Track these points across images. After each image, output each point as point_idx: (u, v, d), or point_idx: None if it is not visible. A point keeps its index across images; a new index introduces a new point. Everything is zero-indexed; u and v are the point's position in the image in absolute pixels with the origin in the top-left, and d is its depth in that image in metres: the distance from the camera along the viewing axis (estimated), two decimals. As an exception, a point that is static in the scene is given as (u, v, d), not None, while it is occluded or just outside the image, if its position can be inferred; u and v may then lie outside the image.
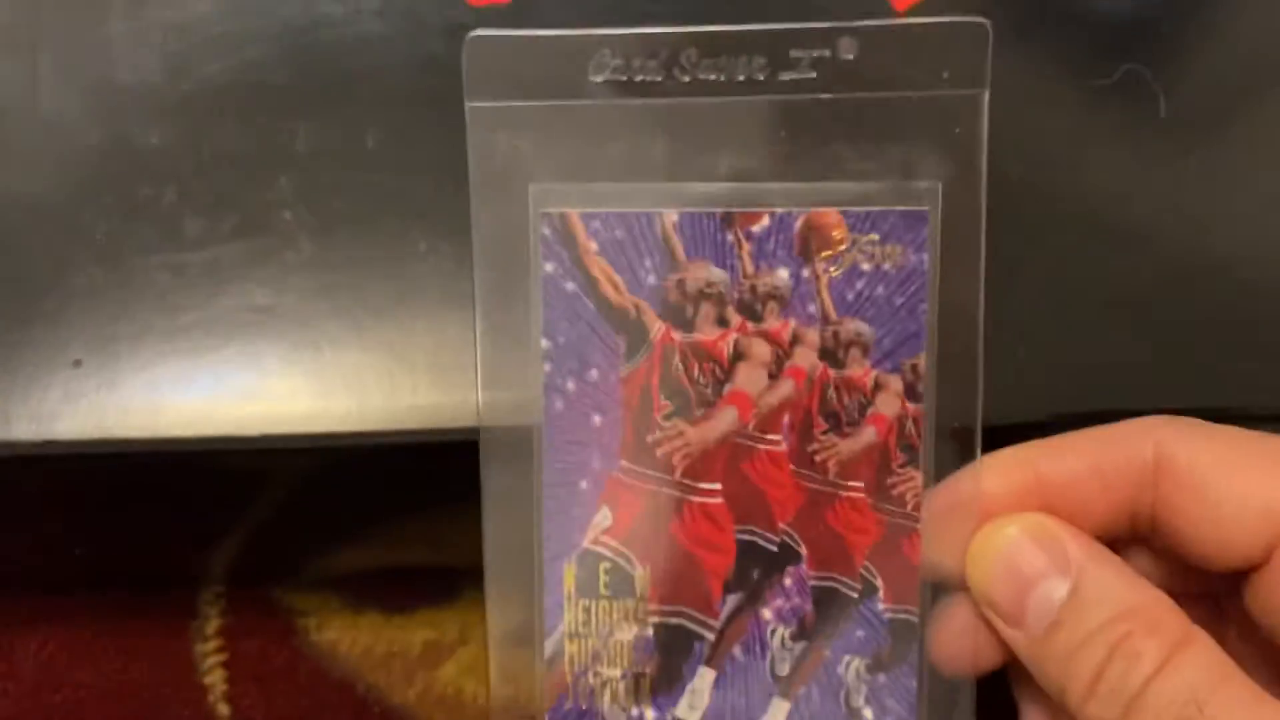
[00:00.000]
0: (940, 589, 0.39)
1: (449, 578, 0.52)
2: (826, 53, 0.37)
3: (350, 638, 0.50)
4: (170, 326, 0.40)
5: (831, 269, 0.38)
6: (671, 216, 0.39)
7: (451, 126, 0.38)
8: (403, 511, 0.52)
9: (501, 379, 0.39)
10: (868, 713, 0.39)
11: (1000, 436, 0.38)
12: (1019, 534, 0.37)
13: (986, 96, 0.37)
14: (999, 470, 0.38)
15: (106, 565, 0.53)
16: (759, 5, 0.40)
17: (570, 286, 0.39)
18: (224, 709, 0.48)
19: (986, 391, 0.37)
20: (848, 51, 0.37)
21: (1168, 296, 0.41)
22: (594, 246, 0.39)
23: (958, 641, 0.38)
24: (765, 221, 0.38)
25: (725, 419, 0.39)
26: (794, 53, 0.37)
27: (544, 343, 0.39)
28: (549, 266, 0.39)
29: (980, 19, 0.36)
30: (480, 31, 0.38)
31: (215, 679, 0.49)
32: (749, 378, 0.39)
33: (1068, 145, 0.40)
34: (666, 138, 0.38)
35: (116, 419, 0.39)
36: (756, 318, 0.39)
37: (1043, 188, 0.40)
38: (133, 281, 0.40)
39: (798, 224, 0.38)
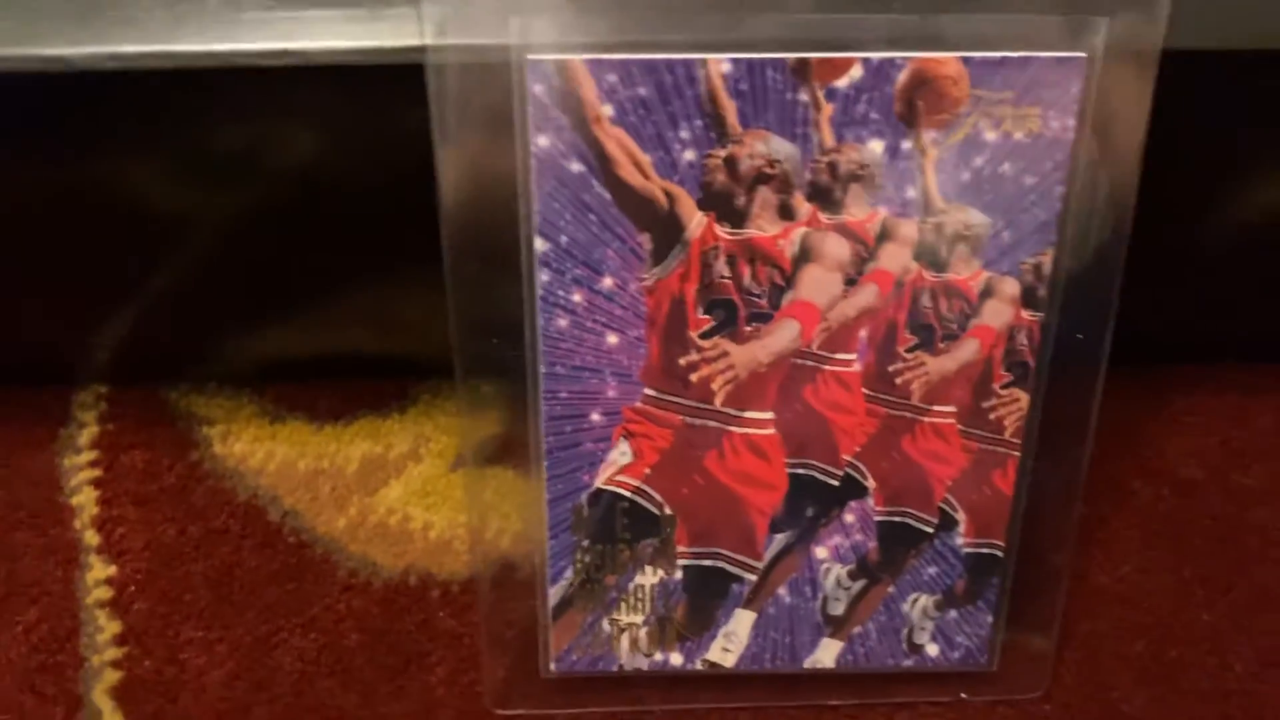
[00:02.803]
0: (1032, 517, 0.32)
1: (400, 375, 0.41)
2: None
3: (266, 451, 0.40)
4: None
5: (943, 140, 0.28)
6: (720, 65, 0.27)
7: None
8: (343, 282, 0.39)
9: (481, 306, 0.29)
10: (932, 649, 0.34)
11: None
12: None
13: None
14: None
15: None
16: None
17: (575, 167, 0.27)
18: (91, 537, 0.38)
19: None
20: None
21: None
22: (608, 111, 0.27)
23: None
24: (855, 72, 0.27)
25: (783, 336, 0.30)
26: None
27: (539, 244, 0.28)
28: (542, 140, 0.27)
29: None
30: None
31: (84, 500, 0.39)
32: (818, 284, 0.29)
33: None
34: (716, -53, 0.26)
35: None
36: (834, 206, 0.28)
37: None
38: None
39: (902, 76, 0.27)
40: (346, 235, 0.35)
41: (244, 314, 0.40)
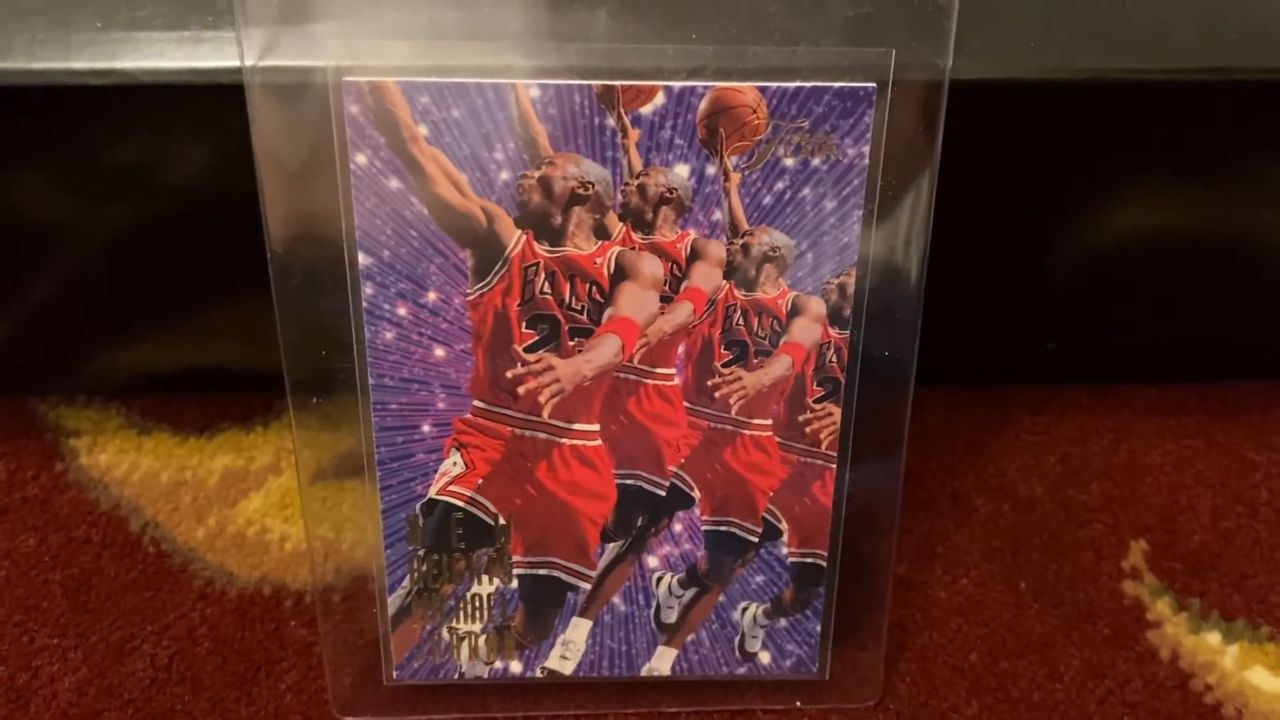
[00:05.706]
0: (854, 528, 0.33)
1: (265, 389, 0.42)
2: None
3: (130, 462, 0.41)
4: None
5: (744, 165, 0.29)
6: (530, 90, 0.28)
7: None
8: (212, 295, 0.40)
9: (309, 320, 0.30)
10: (764, 657, 0.35)
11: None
12: None
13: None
14: None
15: None
16: None
17: (393, 185, 0.29)
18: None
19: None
20: None
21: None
22: (423, 131, 0.28)
23: None
24: (659, 100, 0.28)
25: (605, 350, 0.31)
26: None
27: (362, 258, 0.29)
28: (360, 158, 0.28)
29: None
30: None
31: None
32: (636, 301, 0.30)
33: None
34: (520, -22, 0.27)
35: None
36: (646, 227, 0.30)
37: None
38: None
39: (702, 104, 0.28)
40: (209, 250, 0.36)
41: (113, 327, 0.40)
